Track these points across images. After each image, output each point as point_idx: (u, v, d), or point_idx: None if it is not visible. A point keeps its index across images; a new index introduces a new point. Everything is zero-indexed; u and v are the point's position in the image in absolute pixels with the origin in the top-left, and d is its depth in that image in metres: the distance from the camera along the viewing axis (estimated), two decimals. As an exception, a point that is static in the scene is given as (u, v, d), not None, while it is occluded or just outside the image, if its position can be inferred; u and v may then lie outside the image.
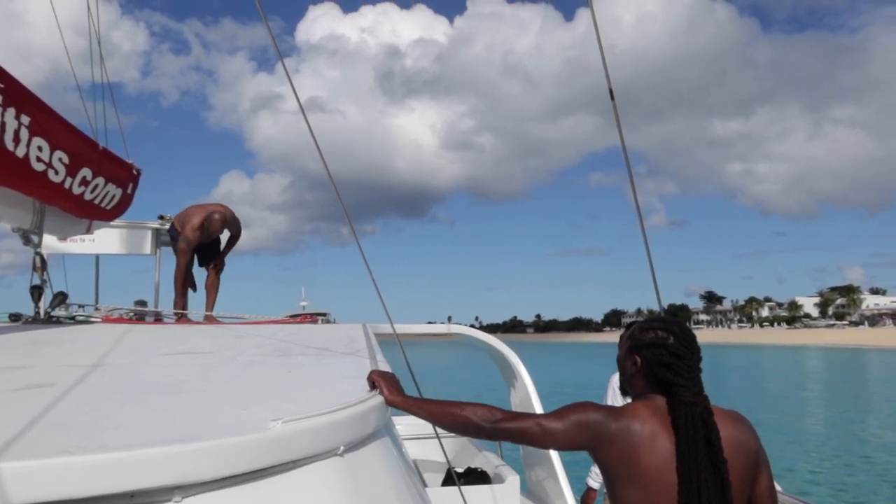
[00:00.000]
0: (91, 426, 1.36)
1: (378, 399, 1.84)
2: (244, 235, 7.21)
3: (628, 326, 2.25)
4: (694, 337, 2.10)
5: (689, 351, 2.05)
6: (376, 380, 1.98)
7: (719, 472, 1.88)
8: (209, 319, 6.33)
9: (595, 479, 4.95)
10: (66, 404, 1.57)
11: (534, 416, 2.06)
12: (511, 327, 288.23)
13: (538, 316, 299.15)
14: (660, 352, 2.04)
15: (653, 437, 1.93)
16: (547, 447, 2.09)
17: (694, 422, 1.92)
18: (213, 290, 7.00)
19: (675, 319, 2.21)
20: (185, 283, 6.73)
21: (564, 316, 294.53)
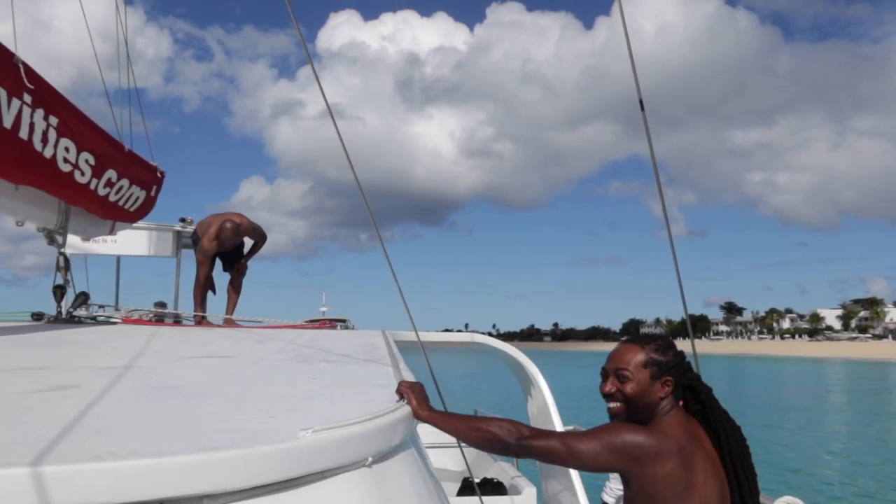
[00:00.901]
0: (119, 431, 1.35)
1: (406, 410, 1.82)
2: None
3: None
4: None
5: None
6: (405, 392, 1.96)
7: (742, 455, 2.09)
8: (228, 323, 6.35)
9: (609, 494, 4.91)
10: (93, 407, 1.56)
11: (561, 435, 2.04)
12: (528, 335, 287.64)
13: (556, 324, 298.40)
14: (686, 363, 2.15)
15: (693, 451, 1.98)
16: (573, 468, 2.11)
17: (725, 414, 2.12)
18: (233, 294, 7.02)
19: (652, 334, 2.41)
20: (203, 293, 6.75)
21: (582, 325, 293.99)
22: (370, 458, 1.48)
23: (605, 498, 5.04)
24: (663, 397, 2.07)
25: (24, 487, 1.08)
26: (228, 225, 6.61)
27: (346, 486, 1.40)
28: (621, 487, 2.01)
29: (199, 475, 1.18)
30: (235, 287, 7.05)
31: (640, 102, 2.88)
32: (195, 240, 6.84)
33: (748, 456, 2.08)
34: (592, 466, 1.97)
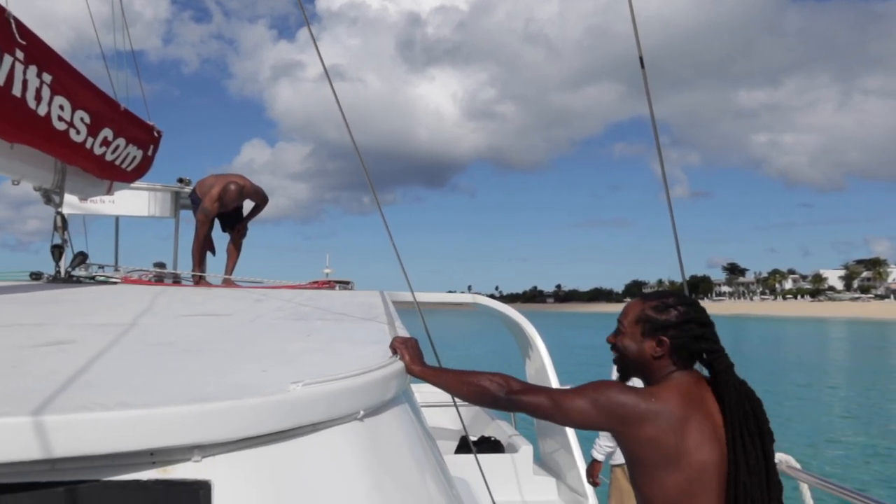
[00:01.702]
0: (111, 384, 1.36)
1: (398, 365, 1.83)
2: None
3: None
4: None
5: (708, 317, 2.03)
6: (398, 347, 1.96)
7: (764, 443, 1.89)
8: (227, 283, 6.36)
9: (599, 451, 4.96)
10: (86, 362, 1.57)
11: (550, 390, 2.03)
12: (531, 297, 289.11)
13: (558, 286, 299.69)
14: (689, 327, 1.98)
15: (686, 417, 1.87)
16: (560, 424, 2.04)
17: (739, 382, 1.94)
18: (233, 254, 7.02)
19: (675, 292, 2.17)
20: (203, 252, 6.75)
21: (585, 286, 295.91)
22: (362, 412, 1.49)
23: (595, 455, 5.09)
24: (656, 357, 2.00)
25: (15, 437, 1.08)
26: (233, 187, 6.60)
27: (337, 439, 1.41)
28: (612, 444, 2.01)
29: (189, 426, 1.19)
30: (235, 247, 7.05)
31: (641, 60, 2.83)
32: (194, 200, 6.81)
33: (762, 434, 1.91)
34: (579, 423, 1.95)
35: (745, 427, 1.88)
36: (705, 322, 2.00)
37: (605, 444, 4.78)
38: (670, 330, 1.98)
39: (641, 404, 1.87)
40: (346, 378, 1.48)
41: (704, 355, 2.01)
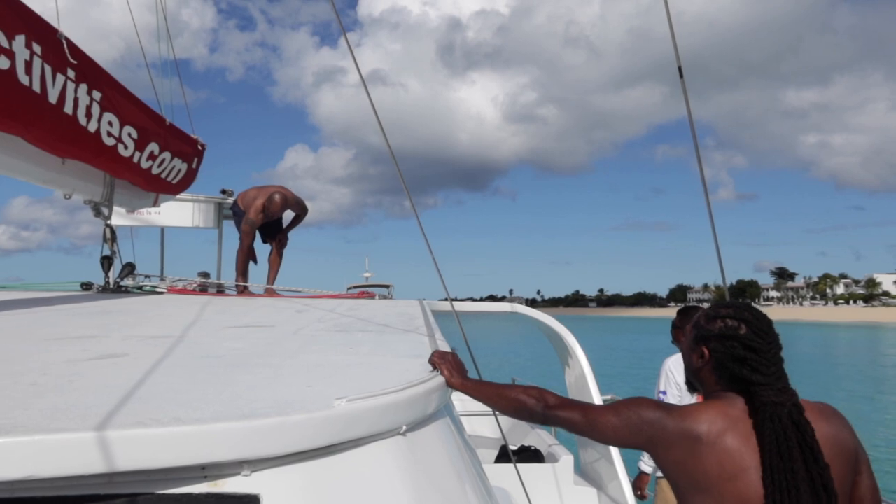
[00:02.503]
0: (163, 398, 1.40)
1: (440, 380, 1.85)
2: (308, 208, 7.34)
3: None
4: (770, 323, 1.87)
5: (766, 341, 1.81)
6: (437, 363, 1.96)
7: (821, 481, 1.66)
8: (269, 292, 6.46)
9: (647, 462, 4.92)
10: (139, 376, 1.62)
11: (585, 406, 1.97)
12: (573, 301, 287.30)
13: (601, 290, 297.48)
14: (731, 344, 1.83)
15: (719, 441, 1.73)
16: (595, 440, 1.98)
17: (783, 424, 1.70)
18: (275, 264, 7.15)
19: (747, 304, 1.97)
20: (246, 262, 6.89)
21: (628, 291, 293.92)
22: (404, 427, 1.51)
23: (643, 467, 5.04)
24: (699, 368, 1.91)
25: (76, 451, 1.13)
26: (277, 197, 6.77)
27: (380, 454, 1.43)
28: None
29: (239, 442, 1.22)
30: (277, 257, 7.19)
31: (679, 69, 2.83)
32: (236, 212, 6.96)
33: (813, 478, 1.67)
34: (613, 441, 1.88)
35: (791, 465, 1.66)
36: (754, 347, 1.80)
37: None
38: (712, 342, 1.87)
39: (670, 425, 1.78)
40: (389, 393, 1.50)
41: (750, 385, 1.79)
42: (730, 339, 1.84)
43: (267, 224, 7.04)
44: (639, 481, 5.03)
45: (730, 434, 1.74)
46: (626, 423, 1.83)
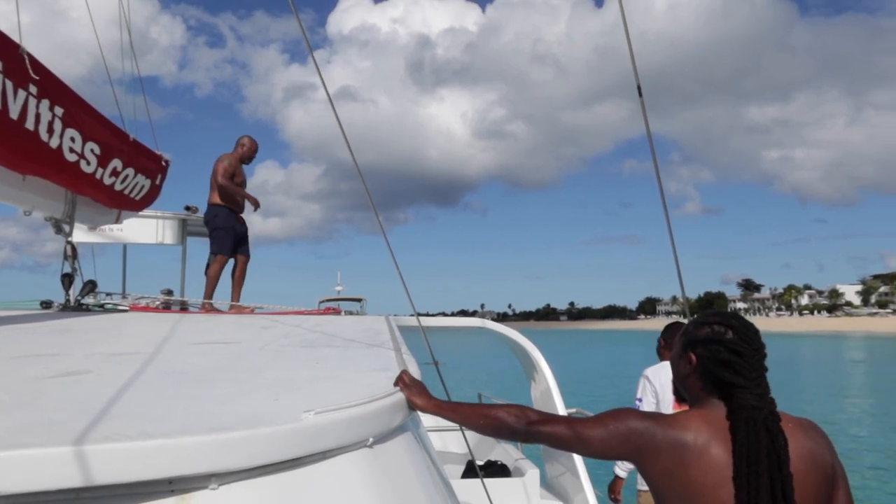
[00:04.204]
0: (130, 414, 1.41)
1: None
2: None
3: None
4: (756, 332, 1.90)
5: (752, 347, 1.84)
6: (404, 391, 1.88)
7: (781, 488, 1.67)
8: (235, 309, 6.42)
9: (622, 467, 4.97)
10: (104, 392, 1.62)
11: (569, 420, 1.94)
12: (544, 315, 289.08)
13: (571, 303, 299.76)
14: (716, 348, 1.85)
15: (705, 450, 1.75)
16: (581, 454, 1.97)
17: (755, 428, 1.72)
18: (239, 281, 7.11)
19: (735, 313, 2.00)
20: (216, 276, 6.88)
21: (598, 304, 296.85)
22: (371, 439, 1.53)
23: (618, 472, 5.09)
24: (686, 374, 1.93)
25: (42, 467, 1.13)
26: (245, 139, 7.27)
27: (347, 466, 1.45)
28: None
29: (207, 455, 1.23)
30: (241, 274, 7.14)
31: (639, 88, 2.90)
32: (207, 219, 6.99)
33: (782, 479, 1.69)
34: (600, 454, 1.86)
35: (756, 469, 1.68)
36: (739, 351, 1.83)
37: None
38: (699, 347, 1.90)
39: (658, 434, 1.78)
40: (356, 406, 1.52)
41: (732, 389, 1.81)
42: (716, 344, 1.86)
43: (234, 235, 7.01)
44: (614, 486, 5.09)
45: (714, 443, 1.75)
46: (613, 434, 1.82)
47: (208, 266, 7.00)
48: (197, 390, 1.72)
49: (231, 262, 7.10)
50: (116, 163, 4.80)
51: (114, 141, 4.75)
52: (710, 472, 1.72)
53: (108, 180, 4.77)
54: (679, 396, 2.06)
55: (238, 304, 6.60)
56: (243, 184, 7.29)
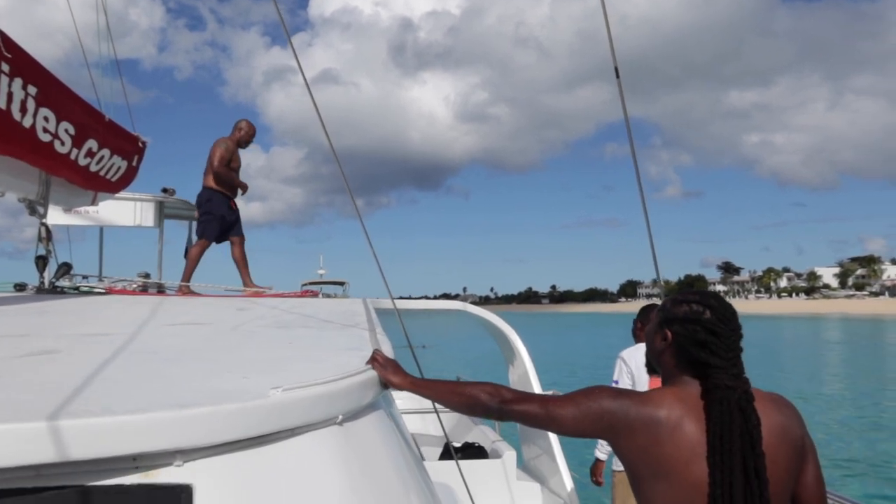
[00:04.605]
0: (95, 391, 1.40)
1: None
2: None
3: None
4: (734, 312, 1.91)
5: (729, 328, 1.85)
6: (377, 370, 1.88)
7: (754, 467, 1.71)
8: (252, 293, 6.35)
9: (602, 450, 5.02)
10: (71, 370, 1.61)
11: (543, 398, 1.95)
12: (526, 298, 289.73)
13: (553, 287, 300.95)
14: (694, 328, 1.86)
15: (678, 426, 1.76)
16: (555, 433, 1.98)
17: (729, 408, 1.74)
18: (243, 262, 7.13)
19: (714, 293, 2.01)
20: (197, 258, 6.82)
21: (580, 287, 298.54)
22: (340, 417, 1.53)
23: (598, 454, 5.14)
24: (661, 350, 1.94)
25: (2, 444, 1.12)
26: (243, 123, 7.27)
27: (316, 443, 1.45)
28: None
29: (171, 431, 1.23)
30: (241, 256, 7.12)
31: (616, 70, 2.91)
32: (199, 202, 6.95)
33: (755, 457, 1.72)
34: (573, 432, 1.87)
35: (729, 448, 1.71)
36: (716, 331, 1.83)
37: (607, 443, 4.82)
38: (675, 324, 1.90)
39: (631, 412, 1.79)
40: (325, 383, 1.52)
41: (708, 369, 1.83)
42: (693, 323, 1.87)
43: (223, 223, 6.97)
44: (595, 469, 5.14)
45: (687, 420, 1.77)
46: (586, 413, 1.83)
47: (187, 250, 6.96)
48: (166, 369, 1.71)
49: (212, 246, 7.07)
50: (91, 143, 4.73)
51: (89, 121, 4.69)
52: (683, 449, 1.74)
53: (82, 161, 4.71)
54: (651, 369, 2.08)
55: (254, 286, 6.57)
56: (239, 168, 7.29)
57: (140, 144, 5.67)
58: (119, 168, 5.32)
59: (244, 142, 7.34)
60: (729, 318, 1.87)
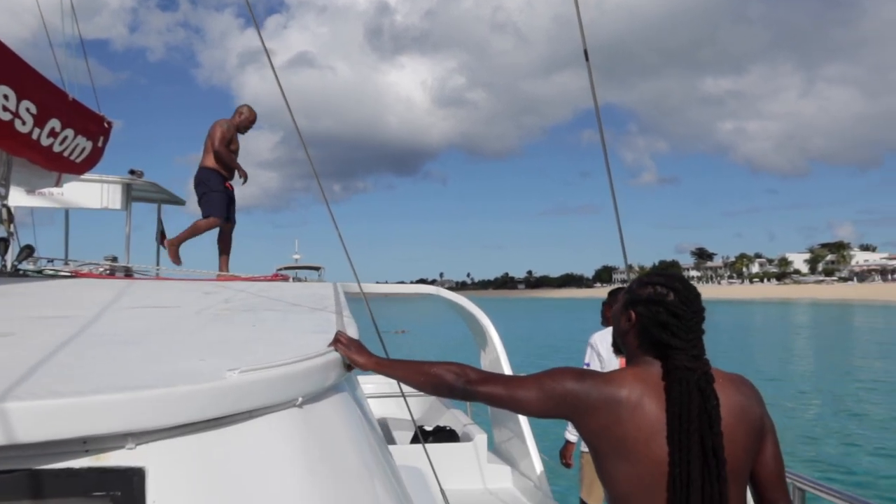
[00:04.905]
0: (47, 374, 1.36)
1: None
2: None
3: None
4: (698, 295, 1.93)
5: (691, 310, 1.88)
6: (341, 350, 1.88)
7: (712, 446, 1.73)
8: (223, 278, 6.29)
9: (572, 431, 5.07)
10: (24, 353, 1.57)
11: (507, 379, 1.98)
12: (502, 283, 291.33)
13: (529, 272, 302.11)
14: (657, 309, 1.88)
15: (638, 406, 1.78)
16: (518, 413, 1.99)
17: (688, 389, 1.77)
18: (226, 249, 7.18)
19: (680, 275, 2.02)
20: (180, 241, 6.74)
21: (556, 272, 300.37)
22: (300, 399, 1.51)
23: (568, 436, 5.18)
24: (625, 331, 1.97)
25: None
26: (245, 108, 7.28)
27: (275, 426, 1.43)
28: None
29: (122, 413, 1.20)
30: (227, 241, 7.09)
31: (585, 52, 2.89)
32: (201, 178, 6.92)
33: (713, 435, 1.74)
34: (535, 412, 1.88)
35: (687, 427, 1.73)
36: (678, 314, 1.86)
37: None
38: (639, 305, 1.93)
39: (593, 392, 1.81)
40: (284, 365, 1.50)
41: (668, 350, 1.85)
42: (656, 304, 1.89)
43: (228, 198, 7.00)
44: (564, 451, 5.19)
45: (647, 399, 1.79)
46: (549, 394, 1.85)
47: (160, 234, 6.87)
48: (122, 351, 1.68)
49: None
50: (55, 123, 4.62)
51: (51, 100, 4.58)
52: (643, 427, 1.77)
53: (45, 141, 4.60)
54: (617, 349, 2.11)
55: (225, 274, 6.50)
56: (237, 152, 7.24)
57: (105, 125, 5.55)
58: (84, 149, 5.21)
59: (244, 127, 7.33)
60: (692, 300, 1.90)
